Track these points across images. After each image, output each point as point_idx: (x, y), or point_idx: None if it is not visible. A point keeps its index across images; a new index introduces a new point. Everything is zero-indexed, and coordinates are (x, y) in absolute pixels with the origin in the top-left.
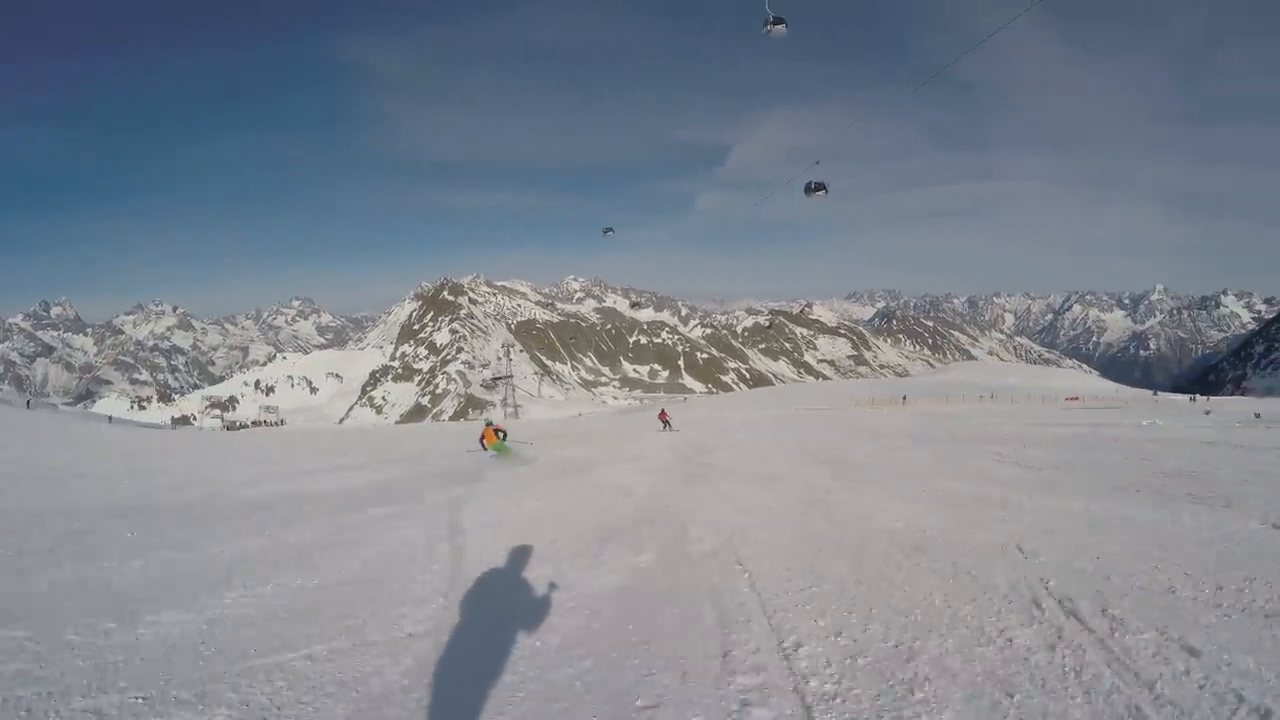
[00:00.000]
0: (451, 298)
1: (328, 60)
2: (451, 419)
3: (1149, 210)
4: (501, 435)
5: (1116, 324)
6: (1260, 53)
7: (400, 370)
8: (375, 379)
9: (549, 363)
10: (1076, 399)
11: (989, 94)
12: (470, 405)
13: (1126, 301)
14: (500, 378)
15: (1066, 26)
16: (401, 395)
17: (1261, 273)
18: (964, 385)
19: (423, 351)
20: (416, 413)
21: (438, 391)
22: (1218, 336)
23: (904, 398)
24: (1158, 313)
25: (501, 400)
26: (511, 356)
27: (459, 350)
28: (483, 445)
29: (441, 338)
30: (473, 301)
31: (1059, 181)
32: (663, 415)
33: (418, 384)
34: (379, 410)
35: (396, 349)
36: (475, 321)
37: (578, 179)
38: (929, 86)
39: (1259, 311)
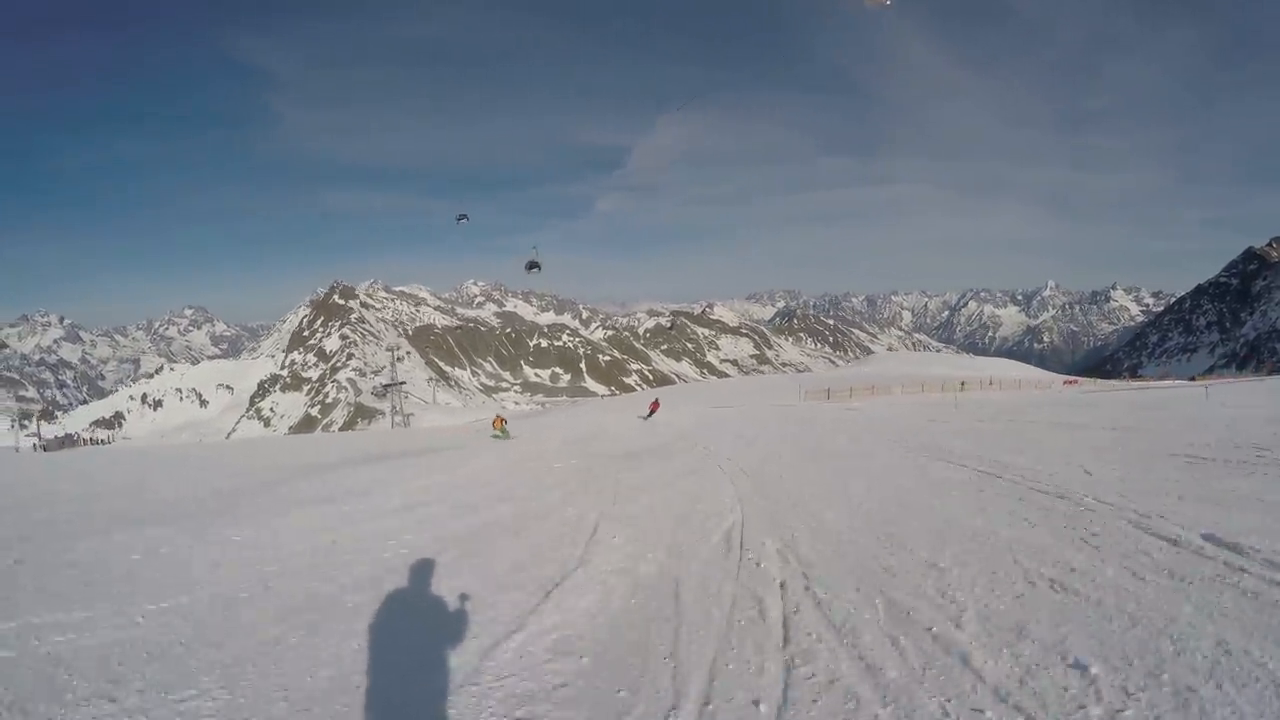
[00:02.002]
0: (342, 301)
1: (219, 58)
2: (342, 430)
3: (1040, 211)
4: (505, 423)
5: (1011, 319)
6: (1142, 63)
7: (289, 379)
8: (264, 389)
9: (448, 369)
10: (1075, 381)
11: (886, 101)
12: (359, 415)
13: (1020, 297)
14: (391, 385)
15: (960, 35)
16: (290, 406)
17: (1149, 268)
18: (899, 376)
19: (312, 359)
20: (306, 424)
21: (328, 401)
22: (1108, 329)
23: (873, 388)
24: (1050, 307)
25: (391, 409)
26: (402, 361)
27: (349, 357)
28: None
29: (331, 344)
30: (365, 306)
31: (954, 184)
32: (654, 406)
33: (307, 393)
34: (267, 423)
35: (286, 357)
36: (367, 326)
37: (479, 182)
38: (826, 94)
39: (1147, 305)
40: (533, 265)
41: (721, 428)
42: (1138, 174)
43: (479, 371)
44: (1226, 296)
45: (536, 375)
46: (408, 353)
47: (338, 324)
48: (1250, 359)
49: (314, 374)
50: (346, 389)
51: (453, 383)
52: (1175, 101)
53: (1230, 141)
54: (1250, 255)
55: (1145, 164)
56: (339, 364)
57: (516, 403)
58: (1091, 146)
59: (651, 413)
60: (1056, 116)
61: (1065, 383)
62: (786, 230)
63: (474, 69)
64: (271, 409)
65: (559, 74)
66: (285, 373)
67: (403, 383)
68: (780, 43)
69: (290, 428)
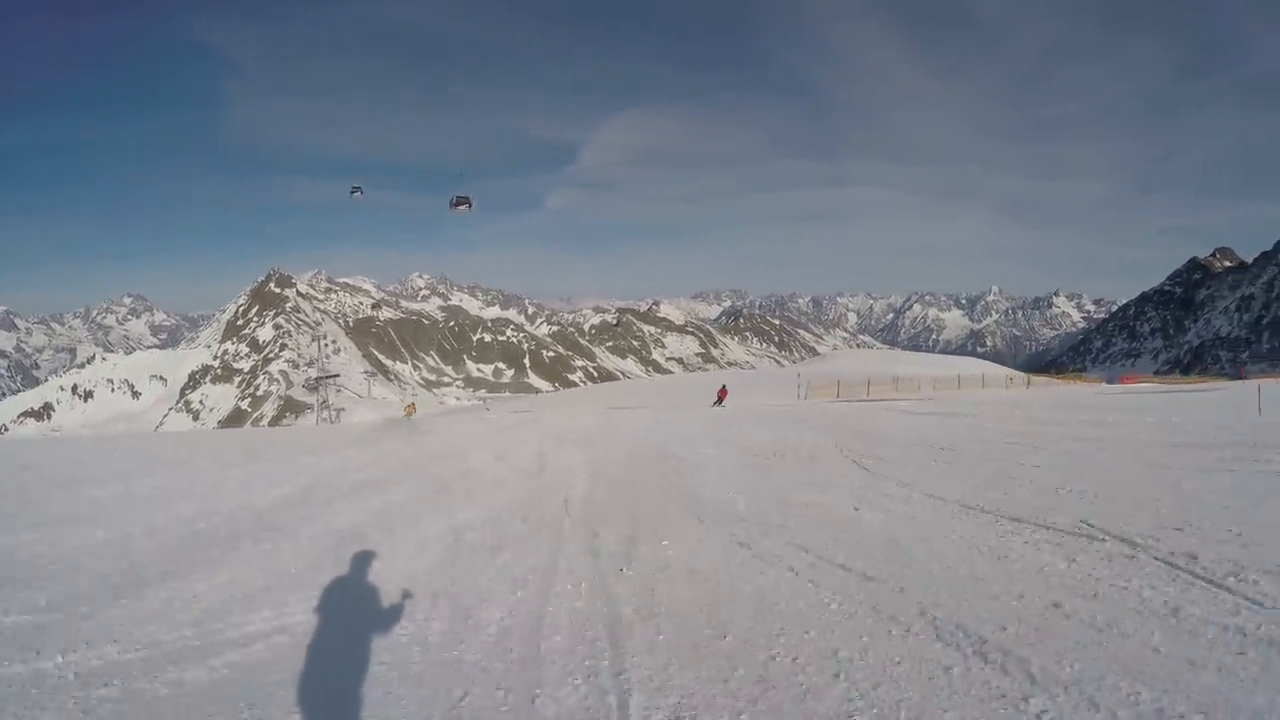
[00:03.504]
0: (278, 290)
1: (172, 36)
2: (271, 424)
3: (988, 217)
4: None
5: (955, 322)
6: (1098, 75)
7: (220, 371)
8: (194, 381)
9: (389, 363)
10: (1133, 379)
11: (842, 104)
12: (289, 409)
13: (964, 302)
14: (324, 377)
15: (919, 42)
16: (220, 398)
17: (1091, 276)
18: (867, 374)
19: (244, 349)
20: (236, 417)
21: (258, 393)
22: (1050, 334)
23: (895, 381)
24: (994, 312)
25: (321, 403)
26: (335, 352)
27: (282, 348)
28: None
29: (265, 334)
30: (303, 296)
31: (905, 188)
32: (722, 392)
33: (238, 385)
34: (196, 416)
35: (219, 347)
36: (302, 316)
37: (427, 175)
38: (782, 95)
39: (1088, 311)
40: (461, 201)
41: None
42: (1086, 184)
43: (420, 366)
44: (1171, 304)
45: (479, 370)
46: (333, 342)
47: (272, 313)
48: (1194, 365)
49: (246, 365)
50: (278, 381)
51: (392, 377)
52: (1128, 114)
53: (1179, 155)
54: (1195, 265)
55: (1094, 174)
56: (271, 355)
57: (458, 398)
58: (1043, 155)
59: (720, 400)
60: (1011, 124)
61: (1123, 379)
62: (735, 230)
63: (426, 60)
64: (201, 401)
65: (512, 66)
66: (217, 364)
67: (335, 375)
68: (739, 43)
69: (219, 421)
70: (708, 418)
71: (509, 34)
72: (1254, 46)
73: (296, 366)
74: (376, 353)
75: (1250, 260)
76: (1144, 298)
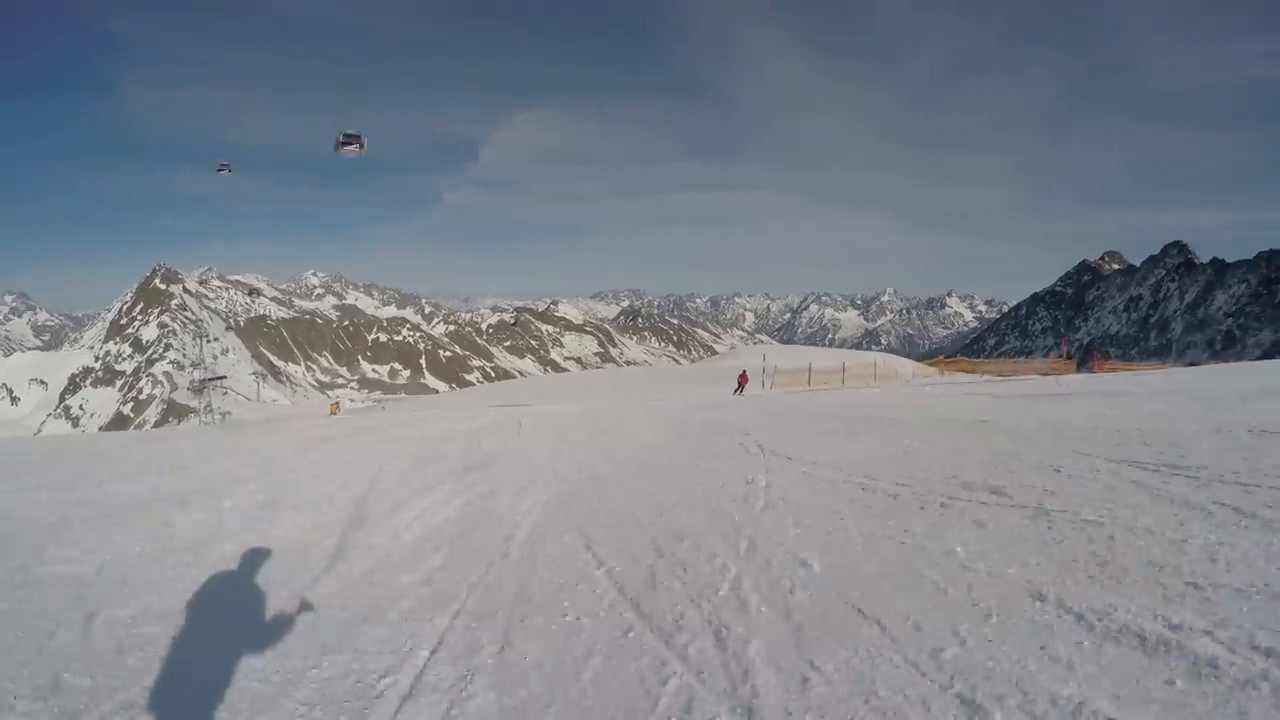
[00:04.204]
0: (164, 286)
1: (64, 16)
2: (155, 428)
3: (885, 220)
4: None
5: (851, 322)
6: (996, 88)
7: (101, 373)
8: (75, 384)
9: (281, 363)
10: (1109, 362)
11: (744, 108)
12: (172, 413)
13: (860, 302)
14: (209, 379)
15: (822, 48)
16: (102, 403)
17: (982, 278)
18: (795, 368)
19: (127, 350)
20: (119, 423)
21: (141, 397)
22: (943, 333)
23: (844, 366)
24: (889, 312)
25: (205, 406)
26: (222, 353)
27: (167, 348)
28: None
29: (149, 333)
30: (189, 293)
31: (805, 191)
32: (743, 379)
33: (120, 389)
34: (76, 422)
35: (102, 348)
36: (189, 314)
37: (322, 169)
38: (684, 96)
39: (980, 311)
40: (349, 140)
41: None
42: (980, 190)
43: (314, 367)
44: (1061, 304)
45: (374, 371)
46: (215, 340)
47: (157, 311)
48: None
49: (128, 367)
50: (162, 384)
51: (284, 378)
52: (1022, 125)
53: (1070, 165)
54: (1085, 267)
55: (988, 181)
56: (155, 356)
57: (352, 400)
58: (939, 162)
59: (741, 387)
60: (909, 131)
61: (1096, 365)
62: (635, 231)
63: (326, 51)
64: (81, 406)
65: (415, 60)
66: (98, 366)
67: (221, 377)
68: (643, 44)
69: (100, 427)
70: (712, 420)
71: (411, 27)
72: (1143, 66)
73: (182, 368)
74: (267, 353)
75: (1138, 263)
76: (1035, 298)
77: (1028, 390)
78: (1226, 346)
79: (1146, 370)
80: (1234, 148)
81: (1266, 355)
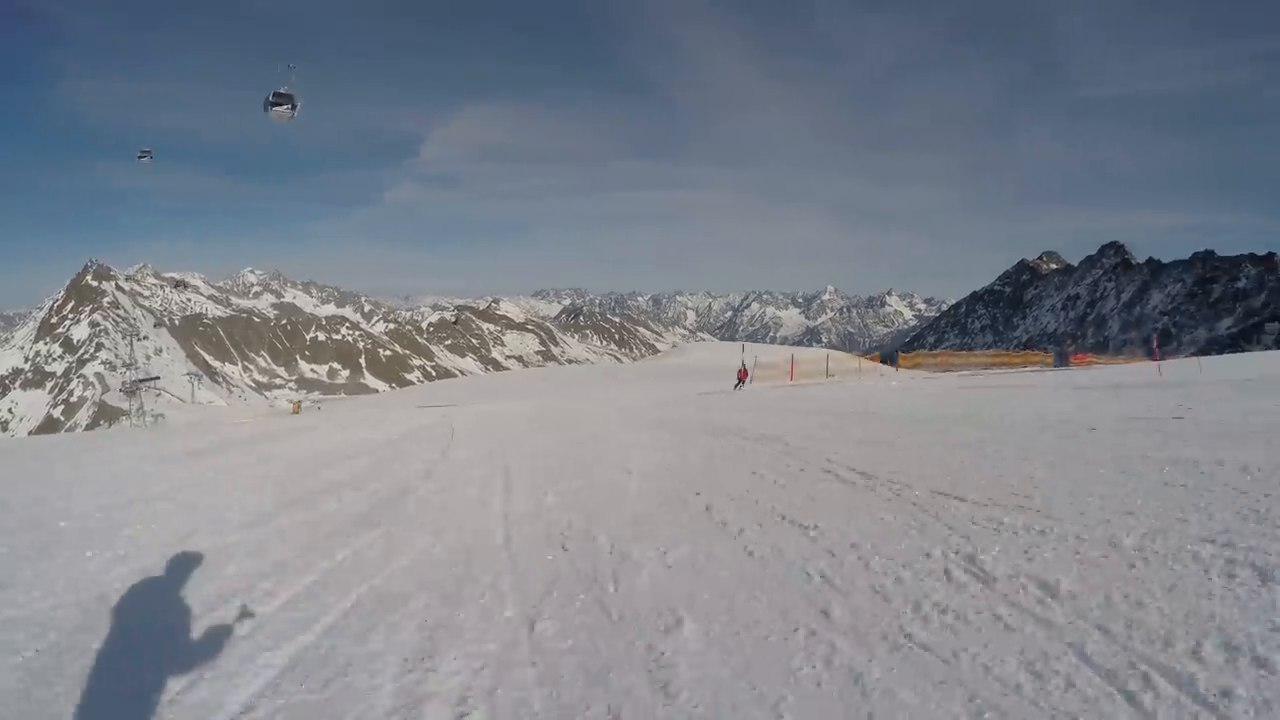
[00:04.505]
0: (96, 283)
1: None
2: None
3: (826, 220)
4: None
5: (792, 320)
6: (939, 91)
7: (31, 375)
8: (4, 386)
9: (217, 363)
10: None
11: (689, 107)
12: (103, 415)
13: (801, 300)
14: (142, 380)
15: (765, 48)
16: (31, 405)
17: (922, 277)
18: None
19: (58, 350)
20: (49, 426)
21: (72, 399)
22: (883, 331)
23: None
24: (829, 310)
25: (137, 409)
26: (156, 352)
27: (99, 347)
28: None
29: (80, 332)
30: (123, 290)
31: (747, 190)
32: (742, 373)
33: (50, 391)
34: (4, 426)
35: (32, 348)
36: (122, 312)
37: (263, 164)
38: (627, 94)
39: (919, 310)
40: (280, 100)
41: None
42: (921, 190)
43: (251, 367)
44: (1000, 303)
45: (313, 371)
46: (146, 338)
47: (89, 309)
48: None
49: (59, 368)
50: (94, 385)
51: (220, 379)
52: (963, 127)
53: (1010, 167)
54: (1023, 266)
55: (929, 182)
56: (87, 356)
57: (290, 401)
58: (880, 162)
59: (741, 382)
60: (851, 131)
61: (1074, 359)
62: (577, 229)
63: (265, 42)
64: (10, 410)
65: (353, 53)
66: (28, 367)
67: (155, 378)
68: (586, 41)
69: (30, 431)
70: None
71: (349, 20)
72: (1082, 74)
73: (114, 369)
74: (203, 353)
75: (1075, 263)
76: (975, 297)
77: (1030, 382)
78: (1163, 344)
79: (1117, 363)
80: (1170, 152)
81: (1202, 352)
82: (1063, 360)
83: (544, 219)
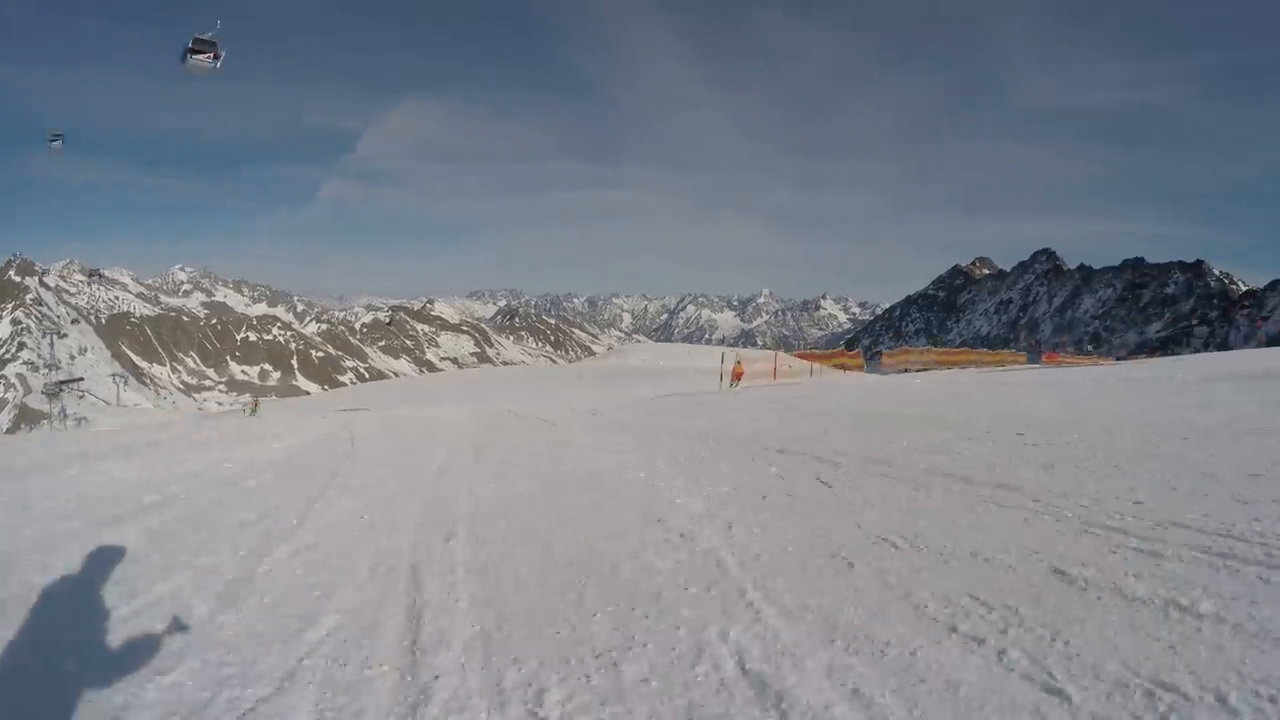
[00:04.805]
0: (19, 279)
1: None
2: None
3: (760, 223)
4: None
5: (727, 323)
6: (876, 99)
7: None
8: None
9: (145, 364)
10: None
11: (628, 108)
12: (25, 418)
13: (736, 303)
14: (65, 382)
15: (706, 52)
16: None
17: (856, 281)
18: (683, 367)
19: None
20: None
21: None
22: (818, 334)
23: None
24: (765, 313)
25: (59, 412)
26: (80, 352)
27: (21, 347)
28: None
29: (1, 331)
30: (45, 286)
31: (685, 193)
32: (738, 371)
33: None
34: None
35: None
36: (45, 310)
37: (195, 158)
38: (566, 94)
39: (854, 313)
40: (200, 48)
41: None
42: (855, 195)
43: (180, 368)
44: (934, 306)
45: (244, 373)
46: (66, 336)
47: (11, 306)
48: None
49: None
50: (15, 386)
51: (148, 380)
52: (899, 134)
53: (944, 174)
54: (957, 271)
55: (863, 187)
56: (8, 356)
57: (219, 403)
58: (817, 168)
59: (736, 381)
60: (788, 137)
61: (1046, 358)
62: (514, 229)
63: (199, 28)
64: None
65: (289, 46)
66: None
67: (79, 380)
68: (527, 39)
69: None
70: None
71: (284, 10)
72: (1016, 86)
73: (36, 369)
74: (130, 353)
75: (1008, 269)
76: (909, 300)
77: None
78: (1095, 348)
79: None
80: (1100, 163)
81: (1131, 355)
82: (1035, 358)
83: (480, 219)
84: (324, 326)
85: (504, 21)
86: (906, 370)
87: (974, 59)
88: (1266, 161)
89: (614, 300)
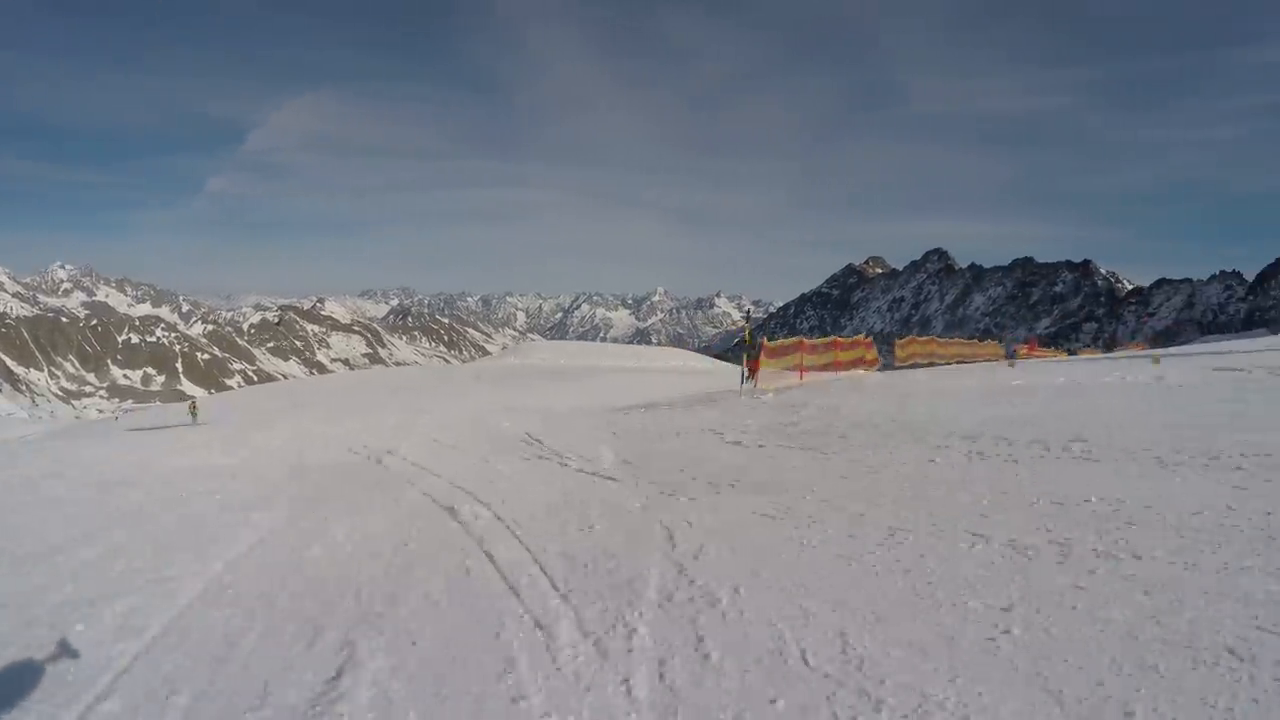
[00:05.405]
0: None
1: None
2: None
3: (656, 222)
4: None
5: (622, 321)
6: (775, 103)
7: None
8: None
9: (19, 369)
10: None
11: (527, 106)
12: None
13: (631, 301)
14: None
15: (609, 50)
16: None
17: (751, 279)
18: (588, 366)
19: None
20: None
21: None
22: (712, 332)
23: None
24: (659, 311)
25: None
26: None
27: None
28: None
29: None
30: None
31: (582, 191)
32: (755, 365)
33: None
34: None
35: None
36: None
37: (74, 145)
38: (468, 89)
39: (748, 311)
40: None
41: None
42: (751, 195)
43: (58, 373)
44: (828, 304)
45: (126, 377)
46: None
47: None
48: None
49: None
50: None
51: (24, 386)
52: (796, 137)
53: (839, 175)
54: (851, 270)
55: (759, 186)
56: None
57: (100, 410)
58: (713, 167)
59: (753, 373)
60: (686, 136)
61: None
62: (407, 227)
63: (84, 10)
64: None
65: (182, 26)
66: None
67: None
68: (429, 34)
69: None
70: None
71: None
72: (912, 91)
73: None
74: (5, 357)
75: (900, 268)
76: (804, 298)
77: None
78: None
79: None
80: (992, 167)
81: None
82: (1011, 355)
83: (374, 215)
84: (210, 327)
85: (407, 14)
86: (932, 363)
87: (874, 63)
88: (1151, 168)
89: (508, 299)
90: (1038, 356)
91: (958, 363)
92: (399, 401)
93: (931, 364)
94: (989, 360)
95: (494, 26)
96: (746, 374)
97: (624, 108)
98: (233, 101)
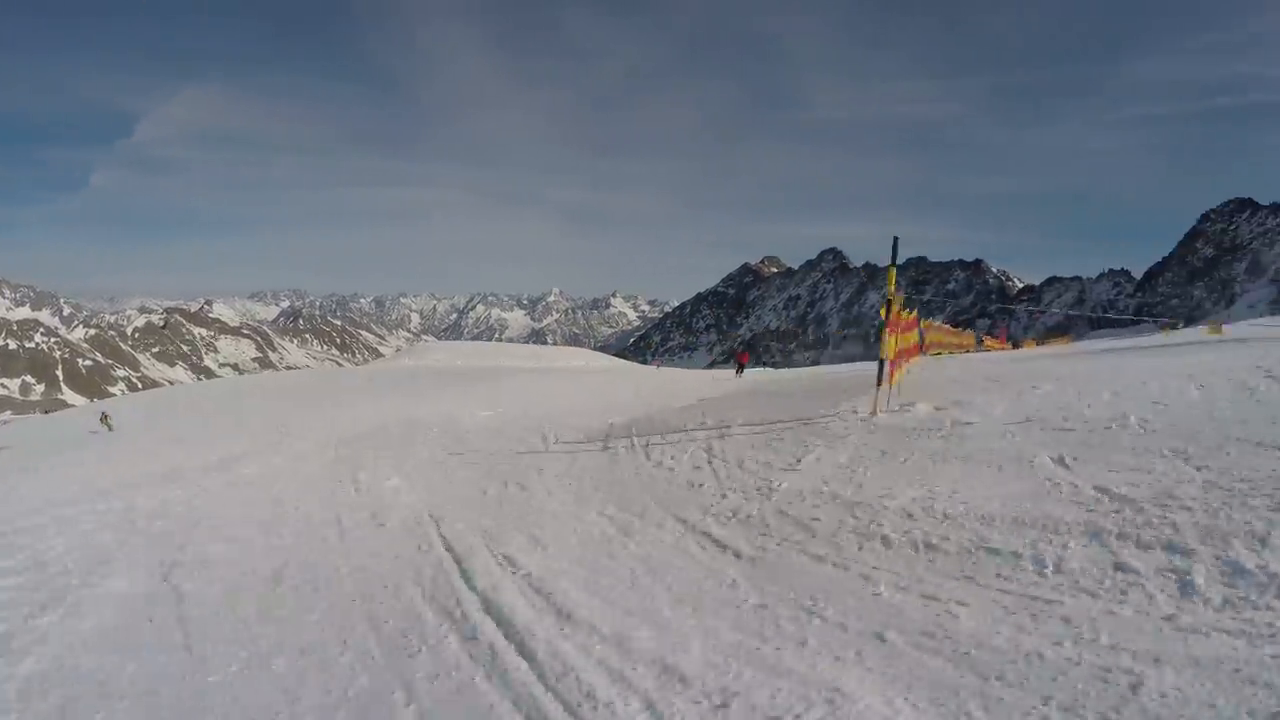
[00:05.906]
0: None
1: None
2: None
3: (550, 222)
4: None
5: (517, 321)
6: (672, 103)
7: None
8: None
9: None
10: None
11: (420, 102)
12: None
13: (526, 302)
14: None
15: (508, 49)
16: None
17: (647, 279)
18: (490, 367)
19: None
20: None
21: None
22: (608, 331)
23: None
24: (555, 312)
25: None
26: None
27: None
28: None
29: None
30: None
31: (472, 191)
32: (743, 357)
33: None
34: None
35: None
36: None
37: None
38: (364, 85)
39: (644, 310)
40: None
41: None
42: (647, 195)
43: None
44: (724, 303)
45: (4, 386)
46: None
47: None
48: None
49: None
50: None
51: None
52: (692, 138)
53: (735, 177)
54: (746, 269)
55: (655, 187)
56: None
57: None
58: (609, 168)
59: (742, 367)
60: (582, 136)
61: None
62: (298, 226)
63: None
64: None
65: (63, 8)
66: None
67: None
68: (324, 27)
69: None
70: None
71: None
72: (811, 97)
73: None
74: None
75: (796, 267)
76: (700, 298)
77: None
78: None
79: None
80: (886, 169)
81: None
82: (980, 347)
83: (264, 214)
84: (93, 332)
85: (304, 5)
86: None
87: (773, 68)
88: (1039, 173)
89: (402, 300)
90: (1017, 348)
91: (962, 352)
92: (261, 419)
93: (939, 354)
94: (987, 350)
95: (391, 22)
96: (739, 366)
97: (522, 106)
98: (119, 90)
